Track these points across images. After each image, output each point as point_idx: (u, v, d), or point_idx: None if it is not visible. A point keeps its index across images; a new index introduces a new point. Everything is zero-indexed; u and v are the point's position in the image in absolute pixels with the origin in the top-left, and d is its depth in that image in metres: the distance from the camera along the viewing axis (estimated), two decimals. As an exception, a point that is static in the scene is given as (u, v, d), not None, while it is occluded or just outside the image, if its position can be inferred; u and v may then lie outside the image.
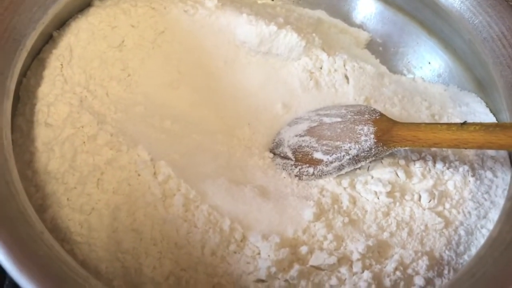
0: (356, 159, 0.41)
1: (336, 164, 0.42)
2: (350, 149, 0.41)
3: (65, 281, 0.26)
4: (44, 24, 0.40)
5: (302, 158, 0.43)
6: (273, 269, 0.35)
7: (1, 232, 0.27)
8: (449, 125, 0.38)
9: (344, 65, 0.49)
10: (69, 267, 0.28)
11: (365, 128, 0.41)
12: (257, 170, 0.44)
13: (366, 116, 0.42)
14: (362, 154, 0.41)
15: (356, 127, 0.42)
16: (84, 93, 0.42)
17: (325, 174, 0.42)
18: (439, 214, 0.40)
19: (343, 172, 0.42)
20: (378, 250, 0.38)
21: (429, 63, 0.53)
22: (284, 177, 0.43)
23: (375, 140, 0.40)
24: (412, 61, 0.54)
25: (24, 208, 0.29)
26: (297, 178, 0.43)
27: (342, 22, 0.56)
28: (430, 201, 0.41)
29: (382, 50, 0.55)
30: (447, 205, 0.41)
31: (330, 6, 0.56)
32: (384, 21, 0.55)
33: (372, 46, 0.55)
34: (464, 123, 0.37)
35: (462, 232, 0.40)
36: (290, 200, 0.40)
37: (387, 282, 0.36)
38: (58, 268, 0.27)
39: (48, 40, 0.44)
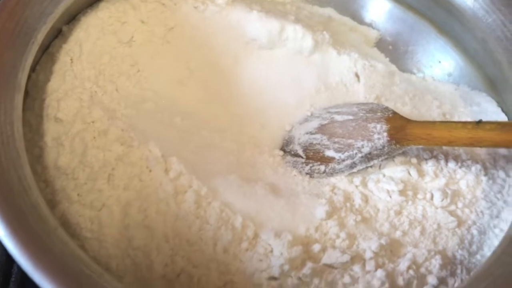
0: (368, 157, 0.41)
1: (348, 162, 0.41)
2: (363, 147, 0.41)
3: (80, 276, 0.26)
4: (54, 19, 0.40)
5: (313, 156, 0.43)
6: (286, 267, 0.34)
7: (16, 227, 0.26)
8: (464, 123, 0.38)
9: (355, 64, 0.48)
10: (84, 263, 0.27)
11: (378, 126, 0.41)
12: (267, 167, 0.43)
13: (379, 114, 0.42)
14: (375, 152, 0.41)
15: (369, 125, 0.41)
16: (94, 88, 0.41)
17: (337, 172, 0.42)
18: (451, 213, 0.40)
19: (355, 170, 0.42)
20: (390, 249, 0.38)
21: (439, 62, 0.53)
22: (295, 175, 0.43)
23: (388, 138, 0.40)
24: (422, 59, 0.54)
25: (37, 203, 0.29)
26: (308, 176, 0.43)
27: (352, 20, 0.55)
28: (442, 200, 0.40)
29: (392, 49, 0.55)
30: (460, 204, 0.41)
31: (340, 4, 0.56)
32: (394, 20, 0.55)
33: (381, 44, 0.55)
34: (480, 121, 0.37)
35: (475, 232, 0.39)
36: (302, 198, 0.40)
37: (400, 280, 0.36)
38: (73, 264, 0.27)
39: (58, 34, 0.44)
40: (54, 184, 0.36)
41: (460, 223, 0.39)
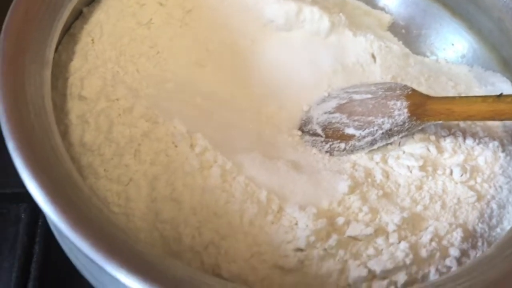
0: (389, 134, 0.41)
1: (369, 138, 0.42)
2: (384, 124, 0.41)
3: (116, 240, 0.26)
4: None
5: (332, 134, 0.44)
6: (312, 238, 0.35)
7: (53, 195, 0.27)
8: (484, 97, 0.38)
9: (371, 45, 0.49)
10: (119, 229, 0.28)
11: (398, 102, 0.41)
12: (287, 146, 0.44)
13: (398, 91, 0.42)
14: (395, 128, 0.41)
15: (389, 102, 0.42)
16: (115, 68, 0.42)
17: (357, 149, 0.43)
18: (471, 188, 0.41)
19: (375, 147, 0.42)
20: (412, 223, 0.38)
21: (453, 44, 0.53)
22: (315, 153, 0.44)
23: (409, 114, 0.41)
24: (435, 43, 0.54)
25: (71, 172, 0.29)
26: (328, 154, 0.43)
27: (365, 4, 0.56)
28: (462, 175, 0.41)
29: (405, 32, 0.55)
30: (479, 180, 0.41)
31: (354, -12, 0.56)
32: (407, 3, 0.55)
33: (394, 28, 0.55)
34: (501, 95, 0.37)
35: (494, 206, 0.40)
36: (323, 174, 0.40)
37: (423, 252, 0.37)
38: (109, 229, 0.27)
39: (78, 16, 0.44)
40: (80, 160, 0.37)
41: (479, 197, 0.40)
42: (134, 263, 0.25)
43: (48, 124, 0.31)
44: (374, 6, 0.56)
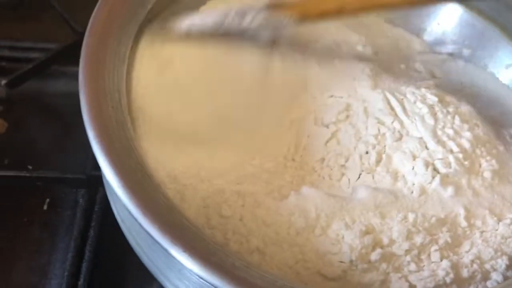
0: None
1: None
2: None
3: (182, 227, 0.29)
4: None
5: None
6: (357, 254, 0.36)
7: (127, 181, 0.29)
8: None
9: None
10: (184, 217, 0.30)
11: None
12: None
13: None
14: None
15: None
16: None
17: None
18: None
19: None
20: (455, 243, 0.39)
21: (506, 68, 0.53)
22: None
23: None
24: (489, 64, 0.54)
25: (143, 163, 0.32)
26: None
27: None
28: None
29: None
30: None
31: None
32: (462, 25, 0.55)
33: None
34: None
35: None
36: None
37: (464, 272, 0.37)
38: (176, 217, 0.29)
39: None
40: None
41: None
42: (196, 247, 0.27)
43: (123, 117, 0.33)
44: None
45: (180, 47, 0.43)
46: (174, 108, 0.41)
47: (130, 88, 0.38)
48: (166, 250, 0.27)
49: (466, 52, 0.54)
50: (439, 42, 0.55)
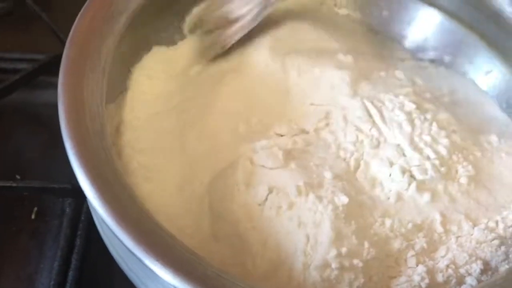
0: None
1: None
2: None
3: (153, 235, 0.29)
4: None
5: None
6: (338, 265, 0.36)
7: (102, 191, 0.30)
8: None
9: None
10: (157, 226, 0.30)
11: None
12: None
13: None
14: None
15: None
16: None
17: None
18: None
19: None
20: (430, 248, 0.39)
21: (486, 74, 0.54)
22: None
23: None
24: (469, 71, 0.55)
25: (119, 172, 0.32)
26: None
27: None
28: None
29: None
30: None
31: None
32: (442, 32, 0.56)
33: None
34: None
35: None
36: None
37: (439, 277, 0.38)
38: (148, 226, 0.30)
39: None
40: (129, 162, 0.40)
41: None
42: (169, 257, 0.28)
43: (100, 127, 0.34)
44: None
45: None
46: (155, 118, 0.42)
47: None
48: (140, 259, 0.28)
49: (447, 58, 0.55)
50: (421, 49, 0.56)
